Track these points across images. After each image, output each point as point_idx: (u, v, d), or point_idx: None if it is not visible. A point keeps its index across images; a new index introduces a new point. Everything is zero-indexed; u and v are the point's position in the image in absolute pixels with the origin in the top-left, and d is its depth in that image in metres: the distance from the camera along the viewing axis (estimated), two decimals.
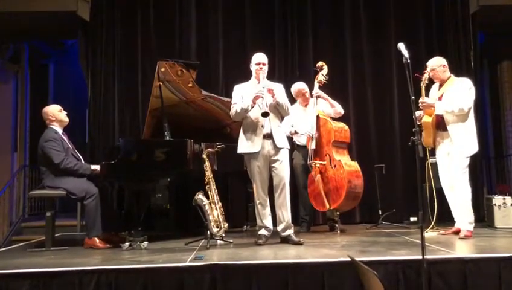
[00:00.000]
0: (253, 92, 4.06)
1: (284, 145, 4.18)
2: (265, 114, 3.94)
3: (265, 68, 4.20)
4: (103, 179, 4.31)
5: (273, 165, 4.13)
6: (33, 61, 8.08)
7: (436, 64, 4.46)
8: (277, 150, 4.12)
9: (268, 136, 4.12)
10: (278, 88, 4.24)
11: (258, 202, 4.16)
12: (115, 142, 5.79)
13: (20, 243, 4.98)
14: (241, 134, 4.24)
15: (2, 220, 7.12)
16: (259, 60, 4.21)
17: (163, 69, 4.58)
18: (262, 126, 4.11)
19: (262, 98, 4.01)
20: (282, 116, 4.27)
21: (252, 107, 4.08)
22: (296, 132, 5.02)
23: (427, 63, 4.51)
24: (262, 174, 4.14)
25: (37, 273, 3.08)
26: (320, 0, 6.36)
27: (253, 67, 4.25)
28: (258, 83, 4.14)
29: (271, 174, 4.17)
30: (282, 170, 4.13)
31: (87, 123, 6.32)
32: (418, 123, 4.29)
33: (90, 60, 6.23)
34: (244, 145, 4.18)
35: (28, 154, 7.72)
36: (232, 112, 4.20)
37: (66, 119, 4.47)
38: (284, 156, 4.16)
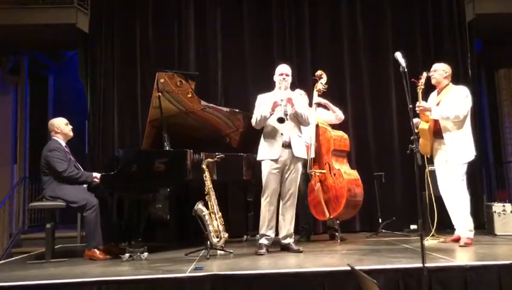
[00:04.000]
0: (273, 101, 4.13)
1: (302, 154, 4.24)
2: (280, 120, 4.00)
3: (288, 79, 4.30)
4: (103, 190, 4.31)
5: (286, 173, 4.18)
6: (33, 73, 8.11)
7: (440, 66, 4.50)
8: (294, 159, 4.17)
9: (287, 145, 4.16)
10: (300, 97, 4.32)
11: (266, 209, 4.16)
12: (115, 153, 5.80)
13: (20, 255, 4.97)
14: (262, 141, 4.30)
15: (2, 232, 7.10)
16: (282, 71, 4.32)
17: (162, 80, 4.60)
18: (281, 134, 4.15)
19: (281, 104, 4.05)
20: (303, 125, 4.31)
21: (270, 115, 4.13)
22: None
23: (433, 65, 4.55)
24: (277, 182, 4.18)
25: (37, 286, 3.07)
26: (318, 11, 6.41)
27: (276, 78, 4.34)
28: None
29: (281, 182, 4.20)
30: (294, 180, 4.19)
31: (87, 134, 6.33)
32: (416, 131, 4.31)
33: (90, 72, 6.27)
34: (264, 152, 4.24)
35: (28, 166, 7.72)
36: (253, 120, 4.26)
37: (71, 134, 4.53)
38: (298, 167, 4.22)
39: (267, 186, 4.19)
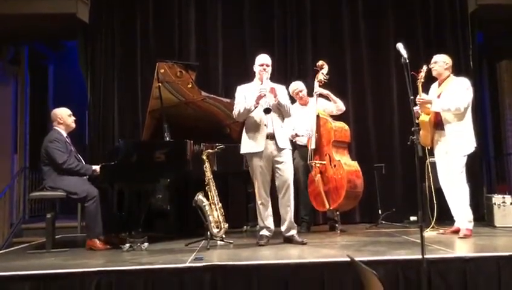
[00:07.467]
0: (256, 93, 4.07)
1: (287, 145, 4.19)
2: (267, 110, 3.93)
3: (269, 69, 4.22)
4: (103, 181, 4.31)
5: (277, 166, 4.13)
6: (33, 63, 8.08)
7: (440, 58, 4.47)
8: (280, 150, 4.12)
9: (271, 136, 4.12)
10: (281, 89, 4.25)
11: (259, 202, 4.16)
12: (115, 144, 5.79)
13: (21, 245, 4.98)
14: (244, 134, 4.24)
15: (3, 222, 7.12)
16: (262, 61, 4.23)
17: (162, 70, 4.58)
18: (265, 125, 4.11)
19: (265, 96, 4.00)
20: (284, 117, 4.27)
21: (255, 107, 4.09)
22: (296, 135, 5.01)
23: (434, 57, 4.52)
24: (265, 174, 4.14)
25: (37, 276, 3.08)
26: (319, 3, 6.37)
27: (256, 68, 4.26)
28: (261, 83, 4.16)
29: (273, 174, 4.18)
30: (287, 171, 4.14)
31: (87, 125, 6.32)
32: (416, 121, 4.30)
33: (90, 62, 6.25)
34: (247, 145, 4.18)
35: (28, 156, 7.72)
36: (235, 112, 4.20)
37: (73, 125, 4.51)
38: (287, 157, 4.17)
39: (256, 180, 4.15)
